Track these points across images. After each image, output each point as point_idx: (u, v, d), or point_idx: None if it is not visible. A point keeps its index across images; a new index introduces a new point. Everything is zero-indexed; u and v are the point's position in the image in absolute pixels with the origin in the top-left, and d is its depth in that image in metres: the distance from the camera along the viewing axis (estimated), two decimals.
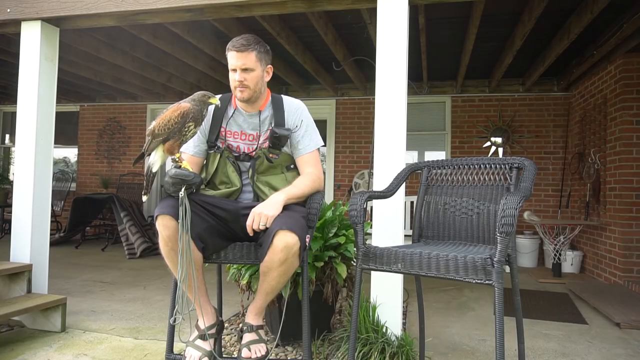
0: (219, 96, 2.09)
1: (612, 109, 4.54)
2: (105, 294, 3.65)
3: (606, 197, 4.62)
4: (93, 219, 6.55)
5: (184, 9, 2.88)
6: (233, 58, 1.95)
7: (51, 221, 3.21)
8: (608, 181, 4.59)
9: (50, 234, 3.18)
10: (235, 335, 2.68)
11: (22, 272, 2.88)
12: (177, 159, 1.83)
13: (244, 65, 1.94)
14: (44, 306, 2.68)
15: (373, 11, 2.86)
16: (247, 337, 1.88)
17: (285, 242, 1.72)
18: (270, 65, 2.06)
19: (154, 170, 1.86)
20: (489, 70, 5.55)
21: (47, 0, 3.01)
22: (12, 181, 4.70)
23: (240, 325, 2.71)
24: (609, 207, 4.55)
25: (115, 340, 2.58)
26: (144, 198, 1.91)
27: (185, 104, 1.81)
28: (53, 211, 6.26)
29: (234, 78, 1.96)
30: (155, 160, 1.84)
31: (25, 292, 2.88)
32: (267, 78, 2.05)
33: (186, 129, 1.80)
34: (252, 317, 1.91)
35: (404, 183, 2.19)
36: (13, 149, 7.76)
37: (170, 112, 1.80)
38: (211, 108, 2.03)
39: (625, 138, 4.33)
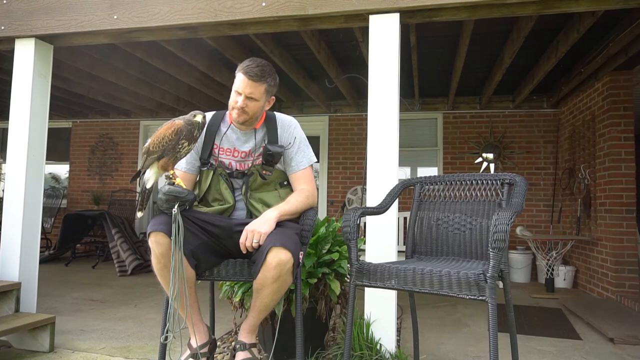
0: (211, 113, 2.11)
1: (600, 125, 4.61)
2: (96, 312, 3.59)
3: (597, 212, 4.67)
4: (84, 236, 6.48)
5: (178, 27, 2.92)
6: (242, 82, 1.94)
7: (41, 238, 3.17)
8: (598, 196, 4.64)
9: (40, 252, 3.14)
10: (228, 354, 2.64)
11: (11, 291, 2.83)
12: (170, 176, 1.84)
13: (251, 94, 1.94)
14: (32, 325, 2.63)
15: (365, 30, 2.92)
16: (240, 355, 1.85)
17: (278, 259, 1.72)
18: (273, 97, 2.07)
19: (147, 186, 1.86)
20: (479, 87, 5.64)
21: (42, 18, 3.03)
22: (2, 198, 4.65)
23: (233, 343, 2.68)
24: (600, 222, 4.59)
25: None
26: (139, 214, 1.91)
27: (178, 122, 1.82)
28: (43, 228, 6.18)
29: (235, 100, 1.96)
30: (149, 177, 1.85)
31: (13, 311, 2.83)
32: (267, 107, 2.07)
33: (180, 146, 1.81)
34: (245, 335, 1.89)
35: (397, 199, 2.20)
36: (4, 165, 7.70)
37: (164, 129, 1.81)
38: (204, 129, 2.04)
39: (614, 154, 4.40)
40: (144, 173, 1.86)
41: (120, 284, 4.86)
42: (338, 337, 2.69)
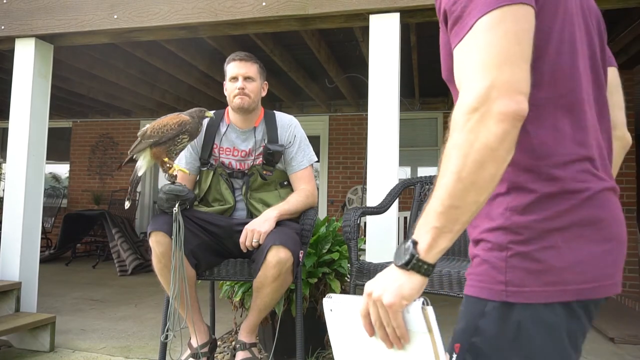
0: (212, 112, 2.11)
1: None
2: (96, 312, 3.59)
3: None
4: (84, 236, 6.48)
5: (178, 27, 2.91)
6: (235, 67, 1.98)
7: (41, 238, 3.17)
8: None
9: (40, 251, 3.14)
10: (228, 354, 2.64)
11: (11, 291, 2.84)
12: (169, 166, 1.83)
13: (247, 74, 1.98)
14: (32, 325, 2.63)
15: (365, 29, 2.91)
16: (240, 355, 1.85)
17: (278, 257, 1.72)
18: (266, 82, 2.11)
19: (139, 174, 1.85)
20: None
21: (42, 18, 3.03)
22: (2, 198, 4.65)
23: (234, 343, 2.67)
24: None
25: None
26: (127, 204, 1.90)
27: (185, 116, 1.82)
28: (43, 228, 6.18)
29: (234, 86, 1.97)
30: (140, 165, 1.84)
31: (13, 310, 2.83)
32: (263, 93, 2.09)
33: (179, 139, 1.81)
34: (245, 335, 1.89)
35: (397, 199, 2.20)
36: (4, 165, 7.70)
37: (169, 118, 1.81)
38: (204, 125, 2.04)
39: None
40: (134, 158, 1.85)
41: (121, 283, 4.86)
42: None
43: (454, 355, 0.72)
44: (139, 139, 1.82)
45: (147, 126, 1.82)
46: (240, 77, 1.97)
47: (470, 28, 0.66)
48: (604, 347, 2.94)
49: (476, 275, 0.74)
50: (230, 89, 1.99)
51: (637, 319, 3.54)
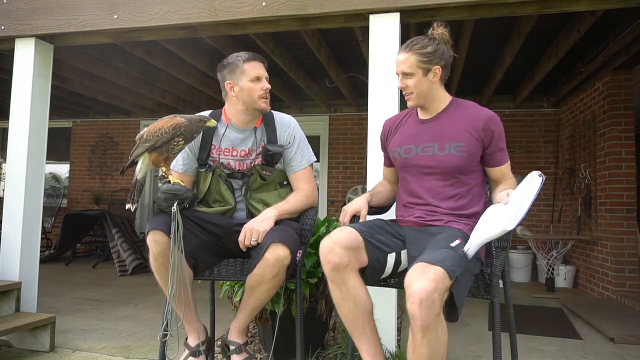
0: (207, 113, 2.09)
1: (600, 125, 4.60)
2: (96, 312, 3.59)
3: (597, 212, 4.66)
4: (84, 236, 6.47)
5: (178, 27, 2.91)
6: (259, 68, 2.00)
7: (41, 238, 3.17)
8: (599, 196, 4.64)
9: (40, 251, 3.14)
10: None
11: (11, 290, 2.84)
12: (164, 175, 1.83)
13: (266, 74, 2.02)
14: (32, 325, 2.63)
15: (365, 29, 2.91)
16: (237, 358, 1.84)
17: (277, 255, 1.71)
18: None
19: (138, 177, 1.85)
20: (479, 87, 5.63)
21: (42, 18, 3.03)
22: (2, 198, 4.65)
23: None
24: (600, 222, 4.58)
25: None
26: (131, 207, 1.86)
27: (180, 119, 1.82)
28: (43, 228, 6.16)
29: (259, 87, 1.98)
30: (140, 168, 1.84)
31: (13, 310, 2.83)
32: None
33: (175, 142, 1.80)
34: (238, 335, 1.88)
35: None
36: (4, 165, 7.69)
37: (163, 121, 1.81)
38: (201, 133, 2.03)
39: (614, 153, 4.39)
40: (134, 162, 1.85)
41: (121, 283, 4.86)
42: (338, 337, 2.69)
43: (457, 242, 1.54)
44: (137, 143, 1.83)
45: (144, 130, 1.83)
46: (264, 78, 2.00)
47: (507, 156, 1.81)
48: (604, 347, 2.94)
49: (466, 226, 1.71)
50: (254, 88, 1.97)
51: (637, 319, 3.54)
